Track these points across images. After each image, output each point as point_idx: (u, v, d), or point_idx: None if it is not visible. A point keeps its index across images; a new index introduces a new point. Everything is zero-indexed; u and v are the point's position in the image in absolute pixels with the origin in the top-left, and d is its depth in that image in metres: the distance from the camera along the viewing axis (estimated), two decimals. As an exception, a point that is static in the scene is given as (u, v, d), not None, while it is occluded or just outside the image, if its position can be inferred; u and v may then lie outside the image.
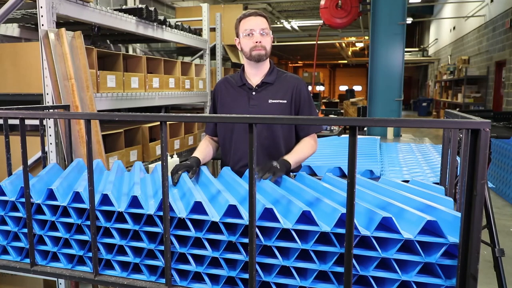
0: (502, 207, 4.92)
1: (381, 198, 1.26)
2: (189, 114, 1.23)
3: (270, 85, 1.88)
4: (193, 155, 1.82)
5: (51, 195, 1.35)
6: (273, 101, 1.85)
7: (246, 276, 1.17)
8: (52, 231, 1.37)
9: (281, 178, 1.58)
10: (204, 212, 1.21)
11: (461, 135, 1.41)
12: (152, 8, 3.32)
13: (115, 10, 2.92)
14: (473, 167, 0.94)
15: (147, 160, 3.33)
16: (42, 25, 2.23)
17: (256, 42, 1.81)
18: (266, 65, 1.90)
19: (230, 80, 1.97)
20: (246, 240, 1.15)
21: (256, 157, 1.09)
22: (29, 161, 2.33)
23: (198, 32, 4.52)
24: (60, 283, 2.42)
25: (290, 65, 27.98)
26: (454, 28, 14.37)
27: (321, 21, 4.74)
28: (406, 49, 4.62)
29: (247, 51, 1.84)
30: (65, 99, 2.29)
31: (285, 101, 1.85)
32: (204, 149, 1.94)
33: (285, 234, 1.15)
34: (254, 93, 1.87)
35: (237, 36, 1.88)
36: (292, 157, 1.73)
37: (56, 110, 2.02)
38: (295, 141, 1.91)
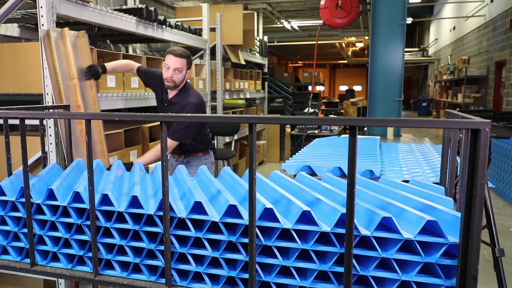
0: (502, 207, 4.92)
1: (381, 198, 1.26)
2: (189, 114, 1.23)
3: (173, 104, 2.64)
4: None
5: (51, 195, 1.35)
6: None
7: (246, 276, 1.17)
8: (52, 231, 1.37)
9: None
10: (204, 212, 1.21)
11: (461, 135, 1.41)
12: (152, 8, 3.32)
13: (115, 10, 2.92)
14: (473, 167, 0.94)
15: (147, 160, 3.32)
16: (42, 25, 2.23)
17: (168, 76, 2.51)
18: (176, 90, 2.63)
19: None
20: (246, 240, 1.15)
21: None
22: (29, 161, 2.33)
23: (198, 32, 4.52)
24: (60, 283, 2.42)
25: (290, 65, 27.95)
26: (454, 28, 14.37)
27: (321, 21, 4.73)
28: (406, 49, 4.62)
29: (163, 79, 2.57)
30: (68, 98, 2.28)
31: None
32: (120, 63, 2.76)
33: (285, 234, 1.15)
34: (166, 104, 2.69)
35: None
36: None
37: (56, 110, 2.02)
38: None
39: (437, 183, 1.69)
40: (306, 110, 5.96)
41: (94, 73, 2.51)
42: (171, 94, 2.65)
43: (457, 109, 10.03)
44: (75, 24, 3.08)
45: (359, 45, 20.34)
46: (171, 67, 2.49)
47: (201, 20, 4.70)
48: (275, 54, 22.30)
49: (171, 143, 2.56)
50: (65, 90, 2.30)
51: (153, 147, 2.55)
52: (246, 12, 5.58)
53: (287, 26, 14.65)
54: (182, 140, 2.60)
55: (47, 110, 1.88)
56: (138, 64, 2.81)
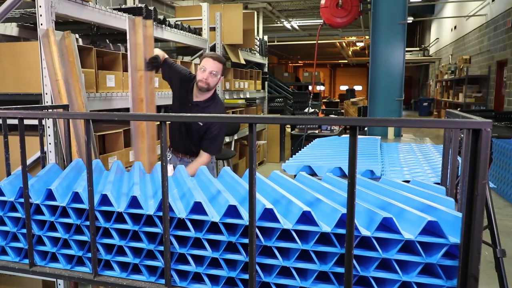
0: (504, 208, 4.90)
1: (381, 198, 1.26)
2: (189, 114, 1.22)
3: (199, 107, 2.63)
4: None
5: (50, 195, 1.34)
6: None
7: (246, 276, 1.16)
8: (51, 232, 1.36)
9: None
10: (204, 212, 1.20)
11: (462, 135, 1.40)
12: (151, 8, 3.32)
13: (114, 9, 2.92)
14: (474, 167, 0.93)
15: (147, 160, 3.31)
16: (41, 24, 2.23)
17: (203, 78, 2.51)
18: (208, 95, 2.63)
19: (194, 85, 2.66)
20: (246, 241, 1.14)
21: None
22: (28, 161, 2.32)
23: (198, 32, 4.51)
24: (59, 284, 2.41)
25: (290, 64, 27.96)
26: (455, 27, 14.35)
27: (322, 21, 4.72)
28: (407, 49, 4.60)
29: (197, 80, 2.55)
30: (133, 90, 2.34)
31: (201, 124, 2.57)
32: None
33: (285, 235, 1.15)
34: (190, 104, 2.64)
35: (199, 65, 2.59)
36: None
37: (55, 110, 2.01)
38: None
39: (438, 183, 1.69)
40: (306, 110, 5.95)
41: (156, 64, 2.52)
42: (198, 97, 2.63)
43: (458, 109, 10.01)
44: (74, 24, 3.08)
45: (360, 44, 20.34)
46: (207, 70, 2.52)
47: (201, 19, 4.70)
48: (275, 53, 22.30)
49: (208, 158, 2.59)
50: (132, 82, 2.37)
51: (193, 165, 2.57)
52: (246, 12, 5.57)
53: (287, 25, 14.65)
54: (217, 152, 2.67)
55: (46, 110, 1.87)
56: (166, 55, 2.79)
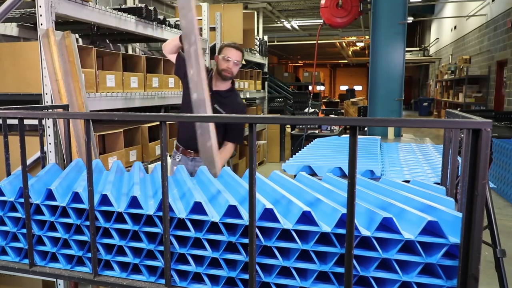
0: (504, 208, 4.90)
1: (381, 198, 1.26)
2: (189, 114, 1.22)
3: (222, 98, 2.62)
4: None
5: (50, 195, 1.34)
6: (218, 108, 2.59)
7: (246, 276, 1.16)
8: (51, 232, 1.36)
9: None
10: (204, 212, 1.20)
11: (462, 135, 1.40)
12: (151, 8, 3.32)
13: (114, 9, 2.92)
14: (474, 167, 0.93)
15: (146, 160, 3.32)
16: (41, 24, 2.23)
17: (228, 67, 2.55)
18: (228, 85, 2.66)
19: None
20: (246, 241, 1.14)
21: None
22: (28, 161, 2.32)
23: (198, 32, 4.50)
24: (59, 284, 2.41)
25: (290, 64, 27.96)
26: (455, 27, 14.35)
27: (322, 21, 4.73)
28: (407, 49, 4.60)
29: (220, 69, 2.57)
30: (189, 69, 2.32)
31: (224, 112, 2.56)
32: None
33: (285, 235, 1.15)
34: (210, 93, 2.47)
35: (218, 55, 2.59)
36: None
37: (55, 110, 2.01)
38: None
39: (438, 183, 1.69)
40: (306, 110, 5.95)
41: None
42: (218, 86, 2.63)
43: (458, 109, 10.01)
44: (74, 24, 3.08)
45: (360, 44, 20.35)
46: (232, 59, 2.55)
47: (201, 19, 4.70)
48: (275, 53, 22.30)
49: (233, 148, 2.61)
50: (185, 59, 2.38)
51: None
52: (246, 12, 5.57)
53: (287, 25, 14.65)
54: (241, 141, 2.68)
55: (46, 110, 1.87)
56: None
